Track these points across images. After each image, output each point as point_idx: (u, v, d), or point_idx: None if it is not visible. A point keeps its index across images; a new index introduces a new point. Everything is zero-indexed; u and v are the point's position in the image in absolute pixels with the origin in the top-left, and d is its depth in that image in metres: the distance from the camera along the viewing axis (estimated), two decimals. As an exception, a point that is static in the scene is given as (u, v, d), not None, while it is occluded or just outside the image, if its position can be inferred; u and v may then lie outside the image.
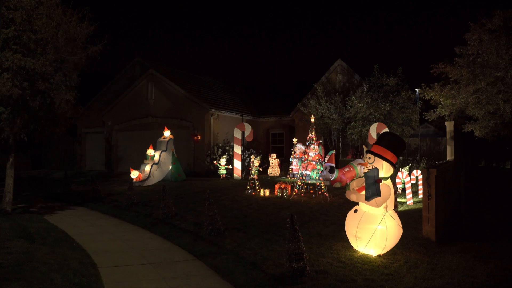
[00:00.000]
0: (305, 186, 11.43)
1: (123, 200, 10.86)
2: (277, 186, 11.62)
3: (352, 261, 5.89)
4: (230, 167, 16.37)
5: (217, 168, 16.46)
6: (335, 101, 18.35)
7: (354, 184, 6.36)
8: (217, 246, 6.76)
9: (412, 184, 11.26)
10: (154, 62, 22.22)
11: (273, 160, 17.67)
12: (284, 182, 12.45)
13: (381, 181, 5.85)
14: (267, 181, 14.41)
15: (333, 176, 12.86)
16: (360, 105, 16.96)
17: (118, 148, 21.55)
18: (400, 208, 10.05)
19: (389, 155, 6.04)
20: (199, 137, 19.05)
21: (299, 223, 5.96)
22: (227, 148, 18.82)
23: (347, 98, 17.95)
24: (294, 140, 14.26)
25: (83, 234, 7.75)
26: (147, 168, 15.12)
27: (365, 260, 5.95)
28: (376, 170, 5.90)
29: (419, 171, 11.95)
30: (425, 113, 16.07)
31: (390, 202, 6.09)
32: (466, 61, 13.22)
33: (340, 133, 18.87)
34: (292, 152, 14.04)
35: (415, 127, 18.10)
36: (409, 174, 11.47)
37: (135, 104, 20.82)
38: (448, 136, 13.79)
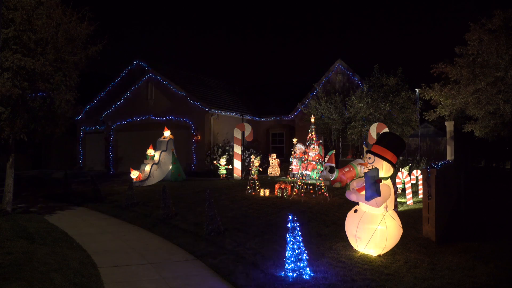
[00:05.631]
0: (305, 186, 11.43)
1: (123, 200, 10.86)
2: (277, 186, 11.61)
3: (352, 261, 5.89)
4: (230, 167, 16.37)
5: (217, 168, 16.46)
6: (335, 101, 18.35)
7: (354, 184, 6.36)
8: (217, 246, 6.76)
9: (412, 184, 11.25)
10: (154, 62, 22.22)
11: (273, 160, 17.66)
12: (284, 182, 12.45)
13: (381, 181, 5.85)
14: (267, 181, 14.41)
15: (333, 176, 12.86)
16: (360, 105, 16.96)
17: (118, 148, 21.55)
18: (400, 208, 10.05)
19: (389, 155, 6.04)
20: (199, 137, 19.05)
21: (299, 223, 5.96)
22: (227, 148, 18.82)
23: (347, 98, 17.96)
24: (294, 140, 14.27)
25: (83, 234, 7.75)
26: (147, 168, 15.12)
27: (365, 260, 5.95)
28: (376, 170, 5.89)
29: (419, 171, 11.95)
30: (425, 113, 16.07)
31: (390, 202, 6.09)
32: (466, 61, 13.22)
33: (340, 133, 18.87)
34: (292, 152, 14.05)
35: (415, 127, 18.10)
36: (409, 174, 11.47)
37: (135, 104, 20.82)
38: (448, 136, 13.81)
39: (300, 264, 5.21)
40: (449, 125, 13.70)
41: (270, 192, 11.72)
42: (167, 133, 16.30)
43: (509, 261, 5.91)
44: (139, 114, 20.66)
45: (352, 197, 6.21)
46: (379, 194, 5.76)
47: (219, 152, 18.41)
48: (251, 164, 12.70)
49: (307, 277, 5.19)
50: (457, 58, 13.62)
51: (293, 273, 5.20)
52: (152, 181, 15.01)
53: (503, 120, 13.13)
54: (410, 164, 14.95)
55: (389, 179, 6.09)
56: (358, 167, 13.34)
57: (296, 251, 5.22)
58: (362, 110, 16.95)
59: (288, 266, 5.25)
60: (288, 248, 5.28)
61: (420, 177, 11.47)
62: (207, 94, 21.42)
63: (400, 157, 13.69)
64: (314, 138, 11.80)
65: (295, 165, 13.73)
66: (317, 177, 11.60)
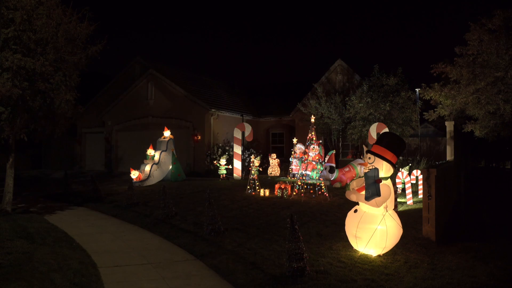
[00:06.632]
0: (305, 186, 11.43)
1: (123, 200, 10.86)
2: (277, 186, 11.61)
3: (352, 261, 5.89)
4: (230, 167, 16.37)
5: (217, 168, 16.45)
6: (335, 101, 18.35)
7: (354, 184, 6.36)
8: (217, 246, 6.75)
9: (412, 184, 11.25)
10: (154, 61, 22.23)
11: (273, 160, 17.66)
12: (284, 182, 12.44)
13: (381, 181, 5.85)
14: (267, 181, 14.41)
15: (333, 176, 12.85)
16: (360, 105, 16.96)
17: (118, 148, 21.55)
18: (400, 208, 10.05)
19: (389, 155, 6.04)
20: (199, 137, 19.05)
21: (299, 223, 5.96)
22: (227, 148, 18.82)
23: (347, 98, 17.95)
24: (294, 140, 14.25)
25: (83, 234, 7.75)
26: (147, 168, 15.12)
27: (365, 260, 5.95)
28: (376, 170, 5.89)
29: (419, 171, 11.95)
30: (425, 113, 16.06)
31: (390, 202, 6.09)
32: (466, 61, 13.21)
33: (340, 133, 18.87)
34: (292, 152, 14.04)
35: (415, 127, 18.10)
36: (409, 174, 11.47)
37: (135, 104, 20.82)
38: (448, 136, 13.78)
39: (300, 264, 5.21)
40: (449, 125, 13.67)
41: (270, 192, 11.72)
42: (167, 133, 16.30)
43: (509, 261, 5.91)
44: (139, 114, 20.66)
45: (352, 197, 6.21)
46: (379, 194, 5.76)
47: (219, 152, 18.41)
48: (251, 164, 12.70)
49: (307, 277, 5.18)
50: (457, 58, 13.61)
51: (293, 273, 5.20)
52: (152, 181, 15.01)
53: (503, 120, 13.12)
54: (410, 164, 14.95)
55: (389, 179, 6.09)
56: (358, 167, 13.34)
57: (296, 251, 5.22)
58: (362, 110, 16.94)
59: (288, 266, 5.25)
60: (288, 248, 5.27)
61: (420, 177, 11.46)
62: (207, 94, 21.41)
63: (400, 157, 13.68)
64: (314, 138, 11.80)
65: (295, 165, 13.71)
66: (317, 177, 11.60)
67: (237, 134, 16.45)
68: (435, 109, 15.02)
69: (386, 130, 13.68)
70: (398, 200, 10.78)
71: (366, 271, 5.49)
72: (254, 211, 9.46)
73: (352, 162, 14.16)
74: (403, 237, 6.41)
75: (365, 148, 6.51)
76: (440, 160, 15.87)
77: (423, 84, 14.96)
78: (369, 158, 6.09)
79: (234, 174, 16.35)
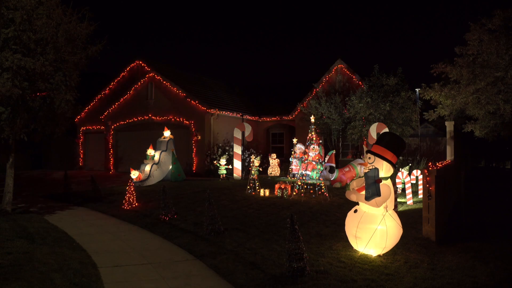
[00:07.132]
0: (305, 186, 11.43)
1: (123, 200, 10.85)
2: (277, 186, 11.61)
3: (352, 261, 5.89)
4: (230, 167, 16.38)
5: (217, 168, 16.46)
6: (335, 101, 18.36)
7: (354, 184, 6.36)
8: (217, 246, 6.76)
9: (412, 184, 11.26)
10: (154, 62, 22.22)
11: (273, 160, 17.67)
12: (284, 182, 12.45)
13: (381, 181, 5.85)
14: (267, 181, 14.40)
15: (333, 176, 12.86)
16: (360, 105, 16.96)
17: (118, 148, 21.55)
18: (400, 208, 10.05)
19: (389, 155, 6.04)
20: (199, 137, 19.05)
21: (299, 223, 5.96)
22: (227, 148, 18.82)
23: (347, 98, 17.96)
24: (294, 140, 14.27)
25: (83, 234, 7.75)
26: (147, 168, 15.12)
27: (365, 260, 5.95)
28: (376, 170, 5.90)
29: (419, 171, 11.95)
30: (425, 113, 16.07)
31: (390, 202, 6.09)
32: (466, 61, 13.22)
33: (340, 133, 18.87)
34: (292, 152, 14.05)
35: (415, 127, 18.09)
36: (409, 174, 11.47)
37: (135, 104, 20.82)
38: (448, 136, 13.79)
39: (300, 264, 5.21)
40: (449, 125, 13.68)
41: (270, 192, 11.72)
42: (167, 133, 16.31)
43: (509, 261, 5.91)
44: (139, 114, 20.66)
45: (352, 197, 6.21)
46: (379, 194, 5.76)
47: (219, 152, 18.41)
48: (251, 164, 12.70)
49: (307, 277, 5.18)
50: (457, 58, 13.62)
51: (293, 273, 5.20)
52: (152, 181, 15.01)
53: (503, 120, 13.13)
54: (410, 164, 14.96)
55: (389, 179, 6.09)
56: (358, 167, 13.34)
57: (296, 251, 5.22)
58: (362, 110, 16.94)
59: (288, 266, 5.25)
60: (288, 248, 5.27)
61: (420, 177, 11.47)
62: (207, 94, 21.42)
63: (400, 157, 13.69)
64: (314, 138, 11.80)
65: (295, 165, 13.73)
66: (317, 177, 11.60)
67: (237, 134, 16.45)
68: (435, 109, 15.03)
69: (386, 130, 13.68)
70: (398, 200, 10.78)
71: (366, 271, 5.49)
72: (254, 211, 9.46)
73: (352, 162, 14.16)
74: (403, 237, 6.41)
75: (365, 147, 6.52)
76: (440, 160, 15.87)
77: (423, 84, 14.97)
78: (369, 158, 6.10)
79: (234, 174, 16.35)
